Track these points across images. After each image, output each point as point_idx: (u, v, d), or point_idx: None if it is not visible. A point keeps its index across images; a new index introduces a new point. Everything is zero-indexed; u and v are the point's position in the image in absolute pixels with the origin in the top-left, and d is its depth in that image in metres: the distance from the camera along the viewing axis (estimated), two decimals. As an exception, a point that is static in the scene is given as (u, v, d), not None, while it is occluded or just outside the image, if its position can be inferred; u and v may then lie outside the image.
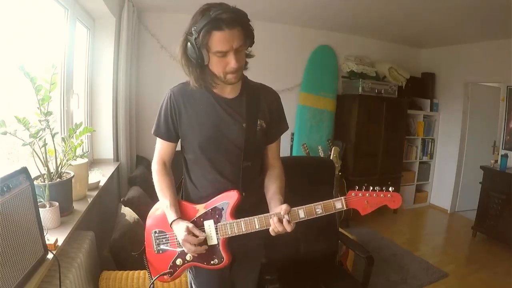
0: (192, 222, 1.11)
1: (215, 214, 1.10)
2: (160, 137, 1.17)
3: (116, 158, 2.57)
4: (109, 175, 2.11)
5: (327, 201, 1.02)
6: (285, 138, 3.80)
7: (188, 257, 1.13)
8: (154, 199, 2.24)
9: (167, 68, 3.09)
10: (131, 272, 1.53)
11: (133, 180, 2.41)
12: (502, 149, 3.71)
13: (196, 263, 1.14)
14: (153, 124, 1.17)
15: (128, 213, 1.85)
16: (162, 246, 1.17)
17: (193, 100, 1.13)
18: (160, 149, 1.19)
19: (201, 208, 1.13)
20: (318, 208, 1.03)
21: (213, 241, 1.10)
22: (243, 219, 1.07)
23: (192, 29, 0.98)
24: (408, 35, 3.82)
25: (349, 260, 2.40)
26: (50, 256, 1.09)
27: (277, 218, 1.02)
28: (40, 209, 1.12)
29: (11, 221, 0.91)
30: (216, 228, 1.10)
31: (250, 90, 1.16)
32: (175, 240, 1.13)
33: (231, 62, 1.00)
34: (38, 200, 1.09)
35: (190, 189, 1.19)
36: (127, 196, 2.02)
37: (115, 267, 1.60)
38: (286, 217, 1.02)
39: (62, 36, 1.88)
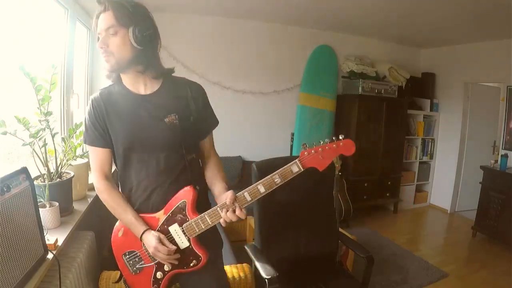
0: (158, 231, 1.06)
1: (177, 216, 1.06)
2: (93, 144, 1.09)
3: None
4: (109, 175, 2.10)
5: (282, 168, 1.00)
6: (285, 138, 3.80)
7: (166, 268, 1.10)
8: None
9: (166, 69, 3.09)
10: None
11: (133, 180, 2.41)
12: (502, 149, 3.71)
13: (177, 270, 1.10)
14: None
15: (128, 213, 1.85)
16: (137, 266, 1.13)
17: (114, 102, 1.09)
18: (97, 159, 1.11)
19: (161, 216, 1.08)
20: (276, 178, 0.99)
21: (184, 243, 1.06)
22: (206, 212, 1.03)
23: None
24: (408, 35, 3.82)
25: (349, 260, 2.40)
26: (50, 256, 1.09)
27: (230, 209, 1.00)
28: (40, 209, 1.12)
29: (11, 221, 0.91)
30: (182, 230, 1.05)
31: (171, 84, 1.13)
32: (147, 254, 1.09)
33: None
34: (38, 200, 1.09)
35: (130, 199, 1.13)
36: (127, 196, 2.02)
37: (115, 267, 1.60)
38: (236, 204, 1.00)
39: (62, 36, 1.88)
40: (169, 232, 1.07)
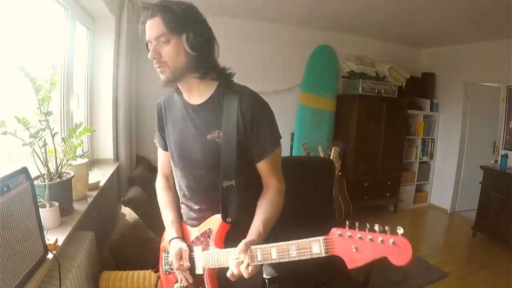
0: (189, 245, 1.03)
1: (203, 240, 0.99)
2: (157, 145, 1.17)
3: (116, 158, 2.57)
4: (109, 175, 2.11)
5: (302, 240, 0.79)
6: (285, 138, 3.80)
7: (182, 284, 1.04)
8: (154, 199, 2.24)
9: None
10: (131, 272, 1.52)
11: (133, 180, 2.41)
12: (502, 149, 3.71)
13: None
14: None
15: (128, 213, 1.85)
16: (167, 267, 1.14)
17: (173, 106, 1.08)
18: (160, 160, 1.18)
19: (194, 232, 1.03)
20: (292, 250, 0.79)
21: (199, 270, 0.99)
22: (223, 249, 0.92)
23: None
24: (408, 35, 3.82)
25: (349, 260, 2.40)
26: (50, 256, 1.09)
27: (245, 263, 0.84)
28: (40, 209, 1.12)
29: (11, 221, 0.91)
30: (203, 256, 0.99)
31: (222, 95, 0.98)
32: None
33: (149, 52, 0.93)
34: (38, 200, 1.09)
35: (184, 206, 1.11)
36: (127, 196, 2.02)
37: (115, 267, 1.60)
38: (243, 259, 0.85)
39: (62, 36, 1.87)
40: (193, 252, 1.02)
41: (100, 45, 2.40)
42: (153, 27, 0.92)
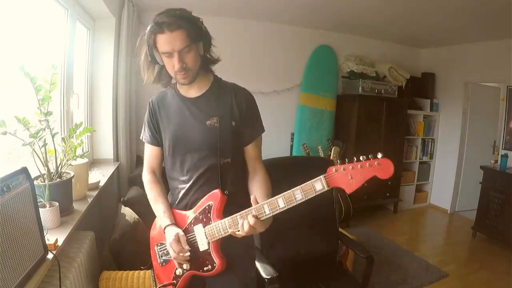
0: (184, 230, 1.11)
1: (203, 218, 1.09)
2: (146, 141, 1.24)
3: (116, 158, 2.57)
4: (109, 175, 2.11)
5: (305, 183, 0.91)
6: (285, 138, 3.80)
7: (185, 266, 1.12)
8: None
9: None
10: (131, 272, 1.52)
11: (133, 180, 2.41)
12: (502, 149, 3.71)
13: (194, 271, 1.12)
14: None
15: (128, 213, 1.85)
16: (163, 258, 1.18)
17: (167, 104, 1.18)
18: (148, 155, 1.25)
19: (190, 214, 1.12)
20: (298, 193, 0.91)
21: (204, 246, 1.08)
22: (227, 218, 1.03)
23: (146, 33, 1.06)
24: (408, 35, 3.82)
25: (349, 260, 2.40)
26: (50, 256, 1.09)
27: (251, 215, 0.97)
28: (40, 209, 1.12)
29: (11, 221, 0.91)
30: (204, 232, 1.08)
31: (217, 89, 1.16)
32: None
33: (175, 63, 1.03)
34: (38, 200, 1.09)
35: (173, 195, 1.21)
36: (127, 196, 2.02)
37: (115, 267, 1.60)
38: (253, 212, 0.97)
39: (62, 36, 1.87)
40: (193, 231, 1.10)
41: (100, 45, 2.40)
42: (177, 39, 1.00)
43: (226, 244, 1.09)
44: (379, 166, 0.84)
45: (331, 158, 3.35)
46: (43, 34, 1.71)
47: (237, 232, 1.00)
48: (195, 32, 1.04)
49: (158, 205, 1.16)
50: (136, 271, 1.52)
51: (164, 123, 1.17)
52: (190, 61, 1.05)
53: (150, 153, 1.25)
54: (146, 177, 1.25)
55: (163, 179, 1.26)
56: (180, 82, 1.10)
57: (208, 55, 1.13)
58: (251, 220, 0.97)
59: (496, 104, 4.05)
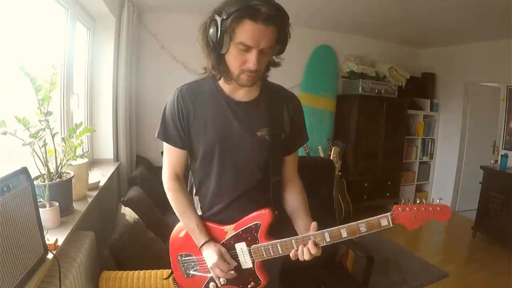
0: (222, 245, 1.02)
1: (247, 236, 1.00)
2: (168, 142, 1.02)
3: (116, 158, 2.57)
4: (109, 175, 2.11)
5: (371, 218, 0.93)
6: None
7: (222, 281, 1.04)
8: (154, 199, 2.24)
9: (167, 68, 3.10)
10: (131, 272, 1.52)
11: (133, 180, 2.41)
12: (502, 149, 3.71)
13: (231, 286, 1.05)
14: (157, 127, 1.03)
15: (128, 213, 1.85)
16: (191, 271, 1.09)
17: (202, 101, 0.99)
18: (171, 158, 1.04)
19: (229, 230, 1.03)
20: (362, 227, 0.93)
21: (248, 264, 1.02)
22: (278, 241, 0.96)
23: (225, 8, 0.84)
24: (408, 35, 3.82)
25: (349, 260, 2.40)
26: (50, 256, 1.09)
27: (312, 242, 0.93)
28: (40, 209, 1.11)
29: (11, 221, 0.91)
30: (249, 251, 1.01)
31: (268, 95, 1.02)
32: (205, 264, 1.04)
33: (251, 60, 0.86)
34: (38, 200, 1.09)
35: (202, 205, 1.08)
36: (127, 196, 2.02)
37: (115, 267, 1.60)
38: (312, 238, 0.93)
39: (62, 36, 1.87)
40: (234, 249, 1.02)
41: (100, 45, 2.40)
42: (267, 37, 0.85)
43: (265, 261, 1.02)
44: (440, 211, 0.92)
45: (331, 158, 3.35)
46: (43, 34, 1.71)
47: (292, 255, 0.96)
48: (283, 34, 0.92)
49: (189, 220, 1.04)
50: (136, 271, 1.52)
51: (199, 123, 0.99)
52: (263, 63, 0.91)
53: (174, 156, 1.04)
54: (170, 184, 1.05)
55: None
56: (241, 83, 0.93)
57: (274, 57, 0.98)
58: (313, 250, 0.92)
59: (496, 104, 4.05)
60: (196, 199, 1.10)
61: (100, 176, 1.96)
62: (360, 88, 3.63)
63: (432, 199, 0.94)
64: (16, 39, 1.47)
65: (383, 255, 2.94)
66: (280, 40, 0.91)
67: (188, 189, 1.12)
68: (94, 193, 1.75)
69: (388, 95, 3.81)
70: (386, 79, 3.89)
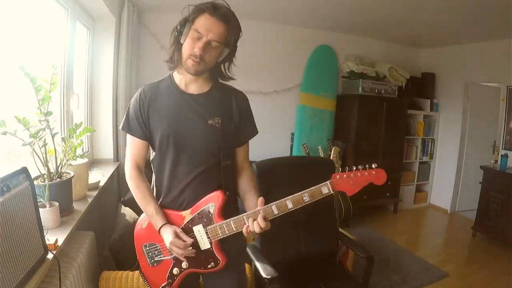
0: (182, 229, 1.10)
1: (203, 218, 1.09)
2: (130, 133, 1.14)
3: (116, 158, 2.57)
4: (109, 175, 2.11)
5: (313, 187, 1.02)
6: (285, 138, 3.80)
7: (184, 265, 1.12)
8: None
9: (167, 68, 3.09)
10: (131, 272, 1.53)
11: (133, 180, 2.41)
12: (502, 149, 3.71)
13: (194, 269, 1.13)
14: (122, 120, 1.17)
15: (128, 213, 1.85)
16: (156, 258, 1.17)
17: (160, 96, 1.13)
18: (132, 149, 1.16)
19: (187, 215, 1.11)
20: (305, 196, 1.02)
21: (206, 245, 1.10)
22: (231, 218, 1.06)
23: (196, 6, 1.04)
24: (408, 35, 3.82)
25: (349, 260, 2.40)
26: (50, 256, 1.09)
27: (261, 216, 1.02)
28: (40, 209, 1.12)
29: (11, 221, 0.91)
30: (206, 232, 1.09)
31: (219, 90, 1.16)
32: (167, 248, 1.11)
33: (198, 46, 1.01)
34: (38, 200, 1.09)
35: (160, 192, 1.16)
36: (127, 196, 2.02)
37: (115, 267, 1.60)
38: (262, 213, 1.02)
39: (62, 36, 1.87)
40: (193, 232, 1.10)
41: (100, 45, 2.40)
42: (216, 30, 1.01)
43: (222, 240, 1.11)
44: (375, 175, 1.00)
45: (331, 158, 3.35)
46: (43, 34, 1.71)
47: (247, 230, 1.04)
48: (232, 39, 1.06)
49: (148, 205, 1.12)
50: (136, 271, 1.52)
51: (156, 115, 1.11)
52: (209, 56, 1.04)
53: (135, 146, 1.15)
54: (131, 173, 1.15)
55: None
56: (187, 68, 1.05)
57: (223, 66, 1.14)
58: (262, 223, 1.00)
59: (496, 104, 4.05)
60: (155, 187, 1.19)
61: (100, 176, 1.97)
62: (360, 88, 3.63)
63: (367, 166, 1.01)
64: (16, 39, 1.47)
65: (383, 255, 2.95)
66: (229, 43, 1.06)
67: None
68: (94, 193, 1.75)
69: (388, 95, 3.81)
70: (386, 79, 3.90)
